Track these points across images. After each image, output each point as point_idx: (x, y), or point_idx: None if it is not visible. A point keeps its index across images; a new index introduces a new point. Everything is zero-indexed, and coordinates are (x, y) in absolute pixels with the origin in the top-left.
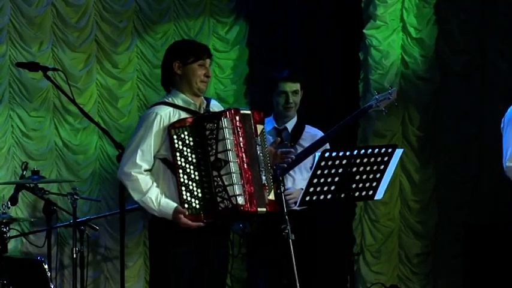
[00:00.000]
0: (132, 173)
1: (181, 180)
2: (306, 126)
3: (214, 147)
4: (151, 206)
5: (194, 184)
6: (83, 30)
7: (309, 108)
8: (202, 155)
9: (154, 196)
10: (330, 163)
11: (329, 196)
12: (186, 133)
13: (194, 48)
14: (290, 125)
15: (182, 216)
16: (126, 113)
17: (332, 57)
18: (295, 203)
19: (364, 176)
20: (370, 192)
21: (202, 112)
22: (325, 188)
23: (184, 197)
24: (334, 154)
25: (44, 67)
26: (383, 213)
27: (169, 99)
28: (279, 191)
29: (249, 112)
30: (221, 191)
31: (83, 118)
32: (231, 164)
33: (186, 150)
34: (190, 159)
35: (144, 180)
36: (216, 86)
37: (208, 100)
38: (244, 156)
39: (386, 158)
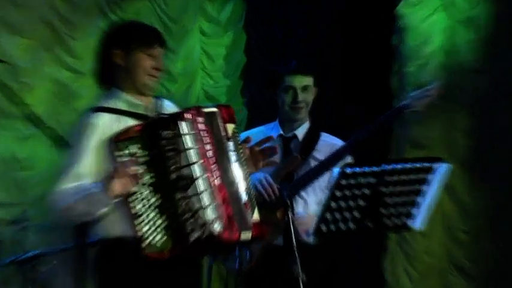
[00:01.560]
0: (58, 200)
1: (136, 210)
2: (322, 133)
3: (174, 161)
4: (83, 208)
5: (153, 213)
6: (30, 8)
7: (326, 110)
8: (161, 173)
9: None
10: (352, 182)
11: (351, 225)
12: (134, 146)
13: (140, 32)
14: (301, 132)
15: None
16: None
17: (355, 43)
18: (308, 233)
19: (398, 199)
20: (406, 221)
21: (152, 116)
22: (347, 215)
23: (143, 230)
24: (358, 170)
25: None
26: (422, 248)
27: (108, 101)
28: (286, 217)
29: (214, 110)
30: (190, 217)
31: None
32: (200, 181)
33: (137, 170)
34: (145, 181)
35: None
36: (204, 80)
37: (159, 100)
38: (214, 167)
39: (427, 176)
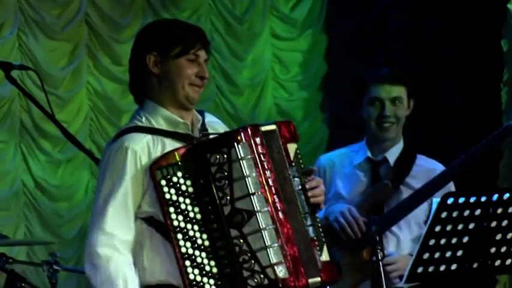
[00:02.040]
0: (100, 252)
1: (183, 250)
2: (418, 156)
3: (227, 191)
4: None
5: (204, 254)
6: (66, 5)
7: (422, 128)
8: (211, 206)
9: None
10: (455, 214)
11: (453, 266)
12: (179, 174)
13: (181, 33)
14: (392, 154)
15: None
16: None
17: (458, 47)
18: (401, 277)
19: (510, 235)
20: None
21: (197, 135)
22: (448, 254)
23: (192, 276)
24: (462, 200)
25: (6, 64)
26: None
27: (144, 119)
28: (374, 257)
29: (273, 127)
30: (248, 260)
31: (66, 144)
32: (259, 215)
33: (184, 202)
34: (192, 215)
35: (118, 264)
36: (276, 92)
37: (201, 114)
38: (277, 199)
39: None
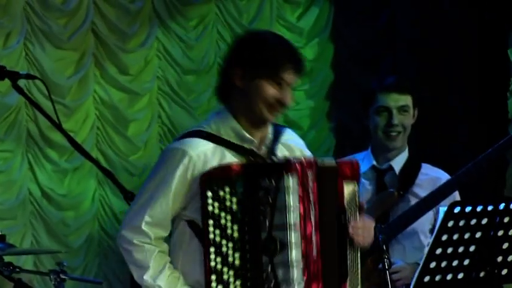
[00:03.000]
0: (134, 241)
1: (212, 263)
2: (423, 165)
3: (268, 218)
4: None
5: (232, 272)
6: (73, 14)
7: (430, 137)
8: (250, 228)
9: (165, 283)
10: (462, 223)
11: (460, 275)
12: (227, 190)
13: (271, 54)
14: (398, 163)
15: None
16: (141, 144)
17: (465, 56)
18: (407, 286)
19: None
20: None
21: (262, 152)
22: (455, 263)
23: None
24: (468, 209)
25: (13, 73)
26: None
27: (213, 125)
28: (381, 266)
29: (333, 165)
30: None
31: (73, 153)
32: (291, 249)
33: (225, 218)
34: (229, 232)
35: (152, 253)
36: None
37: (278, 131)
38: (314, 238)
39: None
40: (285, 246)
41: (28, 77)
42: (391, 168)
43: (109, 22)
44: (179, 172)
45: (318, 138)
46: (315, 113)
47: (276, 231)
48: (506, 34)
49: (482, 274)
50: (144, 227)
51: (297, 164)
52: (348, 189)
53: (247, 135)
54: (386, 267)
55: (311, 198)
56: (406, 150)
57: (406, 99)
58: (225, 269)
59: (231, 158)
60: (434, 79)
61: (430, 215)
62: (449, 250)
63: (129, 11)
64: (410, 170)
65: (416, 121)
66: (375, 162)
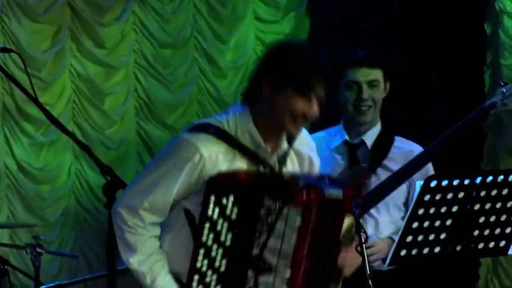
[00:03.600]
0: (129, 222)
1: (198, 264)
2: (396, 138)
3: (263, 237)
4: (142, 282)
5: (215, 276)
6: None
7: (406, 111)
8: (244, 240)
9: (150, 270)
10: (438, 197)
11: (437, 249)
12: (231, 199)
13: (306, 65)
14: (370, 137)
15: None
16: (118, 118)
17: (441, 30)
18: (383, 260)
19: (493, 218)
20: (502, 243)
21: (273, 161)
22: (431, 237)
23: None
24: (445, 183)
25: None
26: None
27: (231, 124)
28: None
29: (339, 197)
30: None
31: (49, 127)
32: (276, 276)
33: (222, 225)
34: (222, 239)
35: (144, 238)
36: None
37: (292, 142)
38: (303, 265)
39: None
40: (272, 270)
41: (4, 50)
42: (363, 142)
43: None
44: (188, 168)
45: None
46: None
47: (267, 252)
48: (483, 7)
49: (458, 248)
50: (141, 211)
51: (304, 196)
52: (346, 221)
53: (263, 143)
54: (364, 241)
55: (309, 229)
56: (379, 124)
57: (376, 74)
58: (209, 272)
59: (241, 162)
60: (411, 53)
61: (403, 187)
62: (426, 224)
63: None
64: (383, 144)
65: (392, 95)
66: (347, 137)
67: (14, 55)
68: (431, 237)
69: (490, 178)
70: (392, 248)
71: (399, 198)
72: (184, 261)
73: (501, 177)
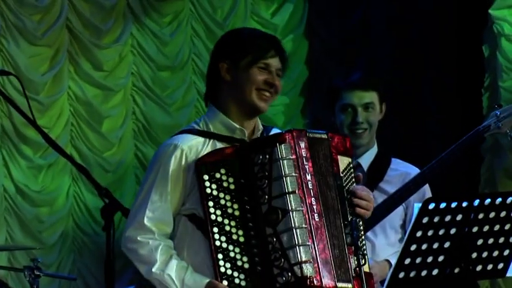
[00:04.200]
0: (139, 238)
1: (218, 243)
2: (393, 160)
3: (266, 190)
4: (171, 285)
5: (238, 249)
6: (47, 11)
7: (404, 133)
8: (250, 203)
9: (175, 272)
10: (436, 220)
11: (435, 271)
12: (223, 171)
13: (252, 42)
14: (366, 159)
15: None
16: (116, 141)
17: (440, 52)
18: (381, 283)
19: (491, 241)
20: (500, 266)
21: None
22: (429, 259)
23: (223, 269)
24: (443, 205)
25: None
26: None
27: (202, 123)
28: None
29: (323, 136)
30: (279, 258)
31: (47, 149)
32: (293, 214)
33: (224, 198)
34: (230, 211)
35: (158, 247)
36: None
37: (267, 129)
38: (314, 202)
39: None
40: (286, 212)
41: (2, 73)
42: (359, 165)
43: (83, 18)
44: (172, 165)
45: None
46: (290, 110)
47: (275, 201)
48: (481, 30)
49: (456, 270)
50: (146, 222)
51: (287, 134)
52: (342, 162)
53: (237, 125)
54: (362, 264)
55: (306, 166)
56: (375, 146)
57: (372, 96)
58: (231, 247)
59: (220, 146)
60: (409, 76)
61: (400, 210)
62: (424, 246)
63: (104, 7)
64: (379, 166)
65: (397, 117)
66: None
67: (12, 78)
68: (430, 259)
69: (488, 200)
70: (391, 271)
71: (396, 221)
72: (206, 263)
73: (499, 199)
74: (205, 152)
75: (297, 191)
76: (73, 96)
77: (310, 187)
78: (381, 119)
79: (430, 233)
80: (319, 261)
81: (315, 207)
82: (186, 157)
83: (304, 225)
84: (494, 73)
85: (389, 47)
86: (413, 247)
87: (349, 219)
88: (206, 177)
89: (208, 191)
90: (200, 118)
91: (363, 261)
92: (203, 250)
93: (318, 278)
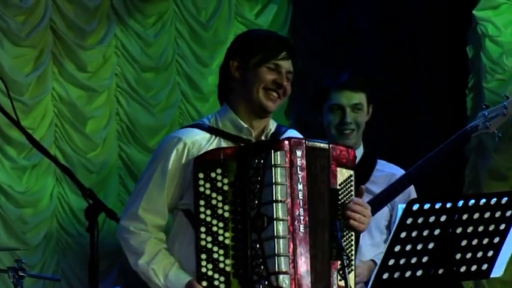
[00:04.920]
0: (131, 228)
1: (203, 243)
2: (378, 161)
3: (257, 195)
4: (155, 281)
5: (222, 251)
6: (31, 12)
7: (389, 134)
8: (240, 207)
9: (160, 266)
10: (420, 221)
11: (419, 272)
12: (219, 171)
13: (263, 42)
14: None
15: None
16: (100, 141)
17: (425, 53)
18: (365, 284)
19: (475, 241)
20: (484, 267)
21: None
22: (413, 260)
23: (204, 269)
24: (427, 206)
25: None
26: None
27: (213, 120)
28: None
29: (323, 146)
30: (259, 265)
31: (31, 150)
32: (277, 223)
33: (216, 198)
34: (220, 212)
35: (147, 239)
36: None
37: (280, 130)
38: (302, 212)
39: (509, 213)
40: (271, 220)
41: None
42: None
43: (67, 19)
44: (173, 157)
45: None
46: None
47: (264, 207)
48: (465, 31)
49: (441, 271)
50: (139, 212)
51: (285, 142)
52: (342, 174)
53: (244, 124)
54: (346, 264)
55: (299, 175)
56: (361, 147)
57: (360, 97)
58: (215, 248)
59: (226, 144)
60: (395, 77)
61: (385, 210)
62: (408, 247)
63: (88, 8)
64: (365, 167)
65: (381, 118)
66: None
67: None
68: (414, 260)
69: (472, 201)
70: (375, 271)
71: (381, 221)
72: (187, 252)
73: (483, 200)
74: (208, 149)
75: (285, 200)
76: (57, 97)
77: (301, 197)
78: (367, 120)
79: (414, 233)
80: (298, 273)
81: (302, 218)
82: (188, 152)
83: (287, 236)
84: (478, 74)
85: (378, 47)
86: (397, 248)
87: (339, 232)
88: (201, 175)
89: (202, 189)
90: (212, 114)
91: (349, 269)
92: (194, 246)
93: None
